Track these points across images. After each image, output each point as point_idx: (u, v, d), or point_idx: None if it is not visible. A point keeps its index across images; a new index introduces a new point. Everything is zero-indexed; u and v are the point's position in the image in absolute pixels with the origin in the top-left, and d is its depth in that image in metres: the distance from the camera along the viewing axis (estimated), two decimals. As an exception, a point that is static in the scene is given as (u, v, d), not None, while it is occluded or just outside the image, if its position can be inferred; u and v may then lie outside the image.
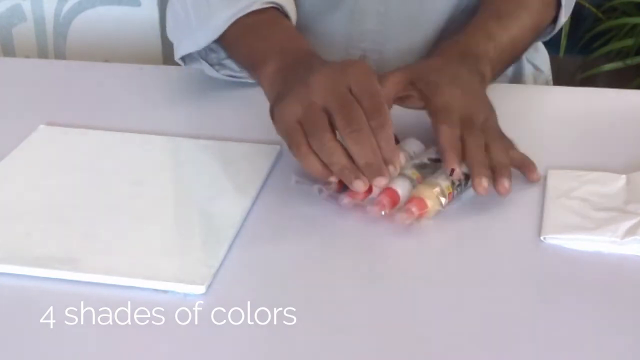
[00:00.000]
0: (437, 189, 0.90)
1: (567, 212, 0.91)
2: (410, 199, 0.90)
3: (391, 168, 0.88)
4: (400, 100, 1.00)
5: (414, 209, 0.89)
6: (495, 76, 1.10)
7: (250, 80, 1.13)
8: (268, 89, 1.00)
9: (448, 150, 0.91)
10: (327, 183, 0.91)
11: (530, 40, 1.18)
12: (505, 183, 0.91)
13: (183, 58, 1.16)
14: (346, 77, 0.90)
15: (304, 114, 0.90)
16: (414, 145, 0.98)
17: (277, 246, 0.88)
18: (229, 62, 1.16)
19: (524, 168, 0.96)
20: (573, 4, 1.21)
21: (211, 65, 1.16)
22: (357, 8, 1.23)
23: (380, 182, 0.87)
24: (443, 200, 0.90)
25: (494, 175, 0.91)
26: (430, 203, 0.89)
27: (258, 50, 1.06)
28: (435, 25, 1.23)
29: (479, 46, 1.07)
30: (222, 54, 1.16)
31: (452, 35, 1.11)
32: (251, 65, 1.08)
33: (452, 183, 0.91)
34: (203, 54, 1.16)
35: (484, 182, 0.90)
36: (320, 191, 0.92)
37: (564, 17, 1.20)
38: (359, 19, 1.24)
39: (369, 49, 1.25)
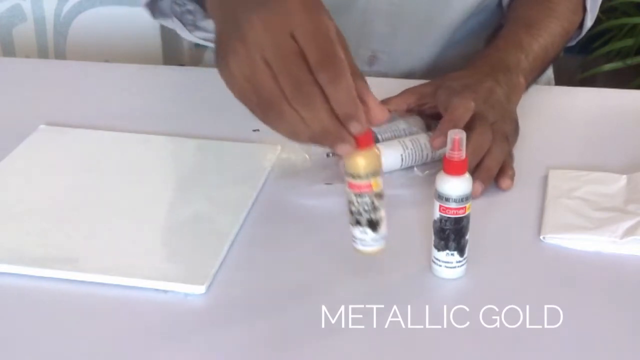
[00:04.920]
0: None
1: (567, 212, 0.91)
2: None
3: (355, 125, 0.74)
4: (421, 111, 1.03)
5: None
6: (530, 84, 1.12)
7: None
8: (213, 22, 0.85)
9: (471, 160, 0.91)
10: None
11: (560, 47, 1.19)
12: (478, 188, 0.92)
13: (152, 11, 1.13)
14: (287, 21, 0.75)
15: (250, 77, 0.76)
16: (415, 122, 1.00)
17: (277, 246, 0.88)
18: (204, 24, 1.14)
19: (501, 172, 0.96)
20: (597, 9, 1.22)
21: (185, 25, 1.14)
22: (369, 9, 1.23)
23: (342, 150, 0.75)
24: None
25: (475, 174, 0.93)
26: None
27: None
28: (446, 30, 1.24)
29: (510, 57, 1.09)
30: (199, 16, 1.13)
31: (482, 49, 1.13)
32: None
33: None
34: (177, 14, 1.13)
35: (478, 189, 0.92)
36: (328, 155, 0.93)
37: (589, 22, 1.22)
38: (369, 20, 1.24)
39: (379, 50, 1.25)
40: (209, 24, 1.14)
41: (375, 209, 0.78)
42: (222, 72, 0.79)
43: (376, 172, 0.77)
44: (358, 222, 0.79)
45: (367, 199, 0.78)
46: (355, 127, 0.74)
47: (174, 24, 1.14)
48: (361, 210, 0.78)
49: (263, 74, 0.75)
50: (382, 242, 0.80)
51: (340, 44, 0.75)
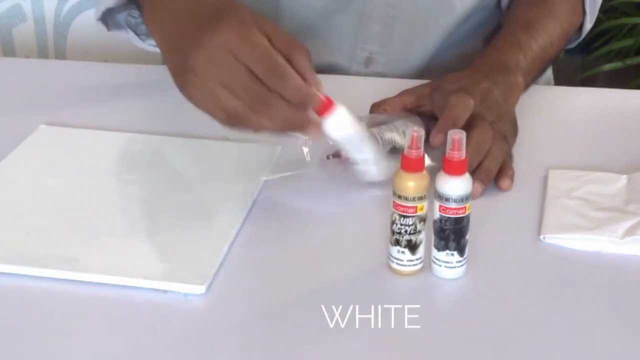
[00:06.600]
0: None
1: (567, 212, 0.91)
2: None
3: (313, 104, 0.85)
4: (419, 112, 1.04)
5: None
6: (529, 84, 1.12)
7: None
8: (157, 39, 0.95)
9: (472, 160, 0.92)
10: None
11: (560, 47, 1.19)
12: (478, 189, 0.92)
13: (107, 24, 1.15)
14: (225, 50, 0.84)
15: (212, 101, 0.86)
16: (414, 122, 1.00)
17: (277, 246, 0.88)
18: None
19: (501, 172, 0.96)
20: (597, 11, 1.23)
21: (138, 36, 1.16)
22: (366, 10, 1.23)
23: (312, 133, 0.87)
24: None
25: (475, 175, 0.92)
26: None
27: None
28: (444, 31, 1.24)
29: (509, 57, 1.09)
30: None
31: (481, 49, 1.14)
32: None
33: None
34: (132, 25, 1.15)
35: (478, 190, 0.92)
36: (328, 157, 0.94)
37: (588, 24, 1.23)
38: (366, 21, 1.24)
39: (375, 51, 1.25)
40: None
41: (416, 231, 0.81)
42: (187, 98, 0.88)
43: (423, 196, 0.80)
44: (397, 242, 0.82)
45: (410, 221, 0.80)
46: (315, 105, 0.86)
47: (127, 35, 1.17)
48: (402, 231, 0.81)
49: (223, 97, 0.85)
50: (418, 265, 0.83)
51: (279, 38, 0.85)
